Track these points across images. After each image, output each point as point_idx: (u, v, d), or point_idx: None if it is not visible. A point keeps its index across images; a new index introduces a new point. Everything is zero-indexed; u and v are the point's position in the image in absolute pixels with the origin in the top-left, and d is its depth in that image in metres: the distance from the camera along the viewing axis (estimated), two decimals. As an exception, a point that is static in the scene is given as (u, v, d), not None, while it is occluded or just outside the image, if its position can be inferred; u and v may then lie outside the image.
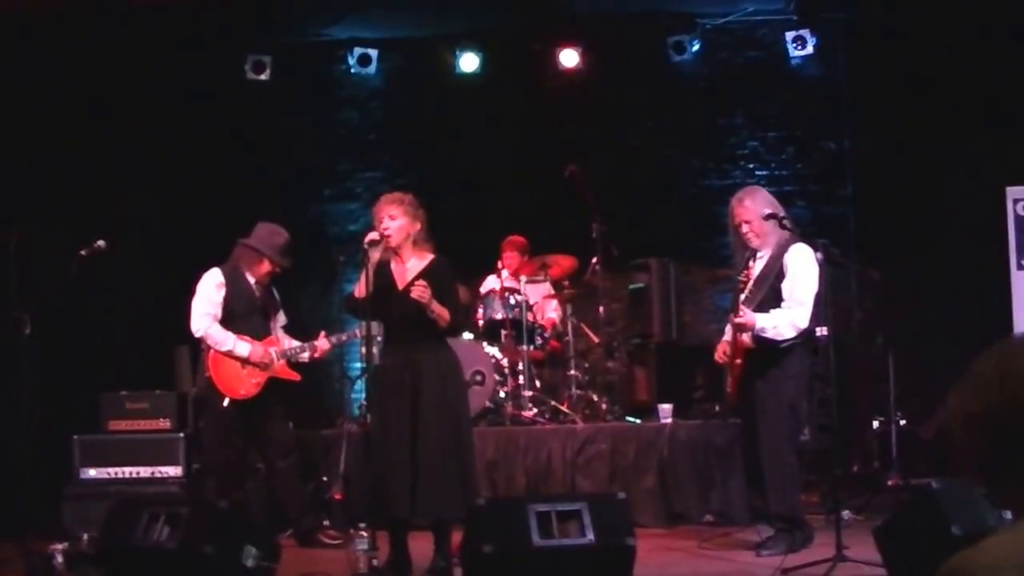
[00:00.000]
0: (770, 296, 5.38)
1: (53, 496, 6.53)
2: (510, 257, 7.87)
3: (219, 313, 6.02)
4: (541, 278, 7.85)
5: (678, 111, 9.16)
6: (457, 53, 9.00)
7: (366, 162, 9.34)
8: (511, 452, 6.85)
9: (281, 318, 6.32)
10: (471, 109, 9.03)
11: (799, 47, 8.76)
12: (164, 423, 6.81)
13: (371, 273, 4.97)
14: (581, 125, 8.81)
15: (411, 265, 5.13)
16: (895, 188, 8.44)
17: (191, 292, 6.07)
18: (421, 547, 5.17)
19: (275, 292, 6.31)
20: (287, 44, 8.95)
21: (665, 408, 7.03)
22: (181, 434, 6.75)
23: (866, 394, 7.75)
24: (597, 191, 7.43)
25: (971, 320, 7.52)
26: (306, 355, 6.15)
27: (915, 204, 8.25)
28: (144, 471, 6.67)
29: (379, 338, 5.26)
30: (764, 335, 5.35)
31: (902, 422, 7.37)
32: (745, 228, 5.49)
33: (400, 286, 5.09)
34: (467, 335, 7.54)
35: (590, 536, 4.43)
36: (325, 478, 6.68)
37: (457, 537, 4.88)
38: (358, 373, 7.66)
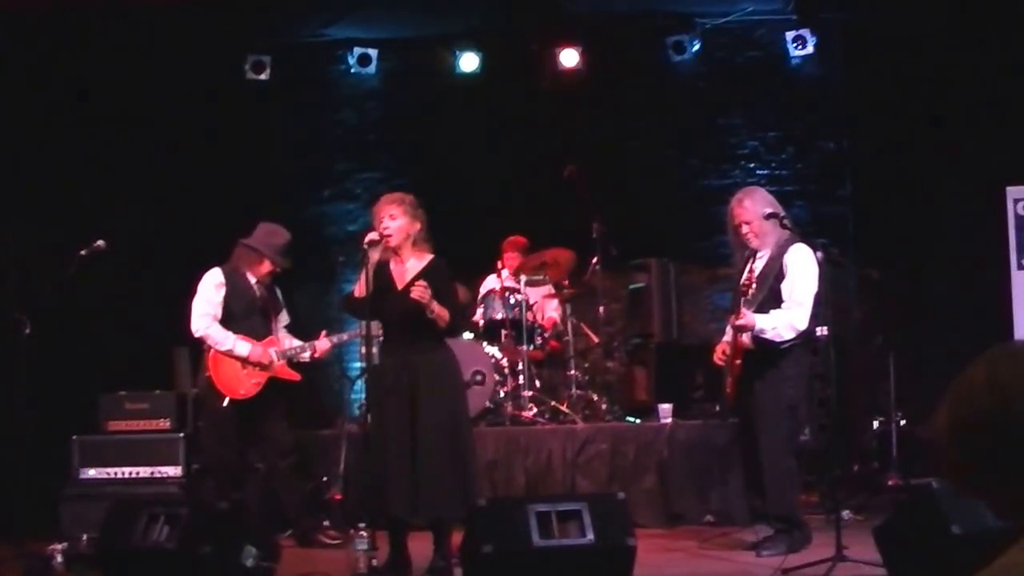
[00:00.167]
0: (769, 297, 5.37)
1: (52, 496, 6.53)
2: (511, 258, 7.86)
3: (219, 313, 6.02)
4: (541, 278, 7.84)
5: (677, 111, 9.16)
6: (457, 53, 9.00)
7: (365, 162, 9.34)
8: (511, 452, 6.84)
9: (284, 318, 6.32)
10: (471, 109, 9.03)
11: (798, 47, 8.76)
12: (163, 423, 6.80)
13: (370, 273, 4.97)
14: (580, 125, 8.81)
15: (410, 265, 5.13)
16: (894, 188, 8.44)
17: (191, 292, 6.07)
18: (421, 547, 5.16)
19: (278, 292, 6.31)
20: (287, 44, 8.95)
21: (665, 408, 7.03)
22: (180, 434, 6.75)
23: (866, 394, 7.75)
24: (596, 191, 7.43)
25: (971, 320, 7.51)
26: (306, 355, 6.15)
27: (915, 204, 8.25)
28: (143, 471, 6.67)
29: (379, 338, 5.26)
30: (764, 336, 5.35)
31: (902, 422, 7.37)
32: (745, 228, 5.48)
33: (399, 286, 5.09)
34: (467, 335, 7.54)
35: (590, 536, 4.43)
36: (325, 478, 6.67)
37: (457, 537, 4.88)
38: (357, 373, 7.65)
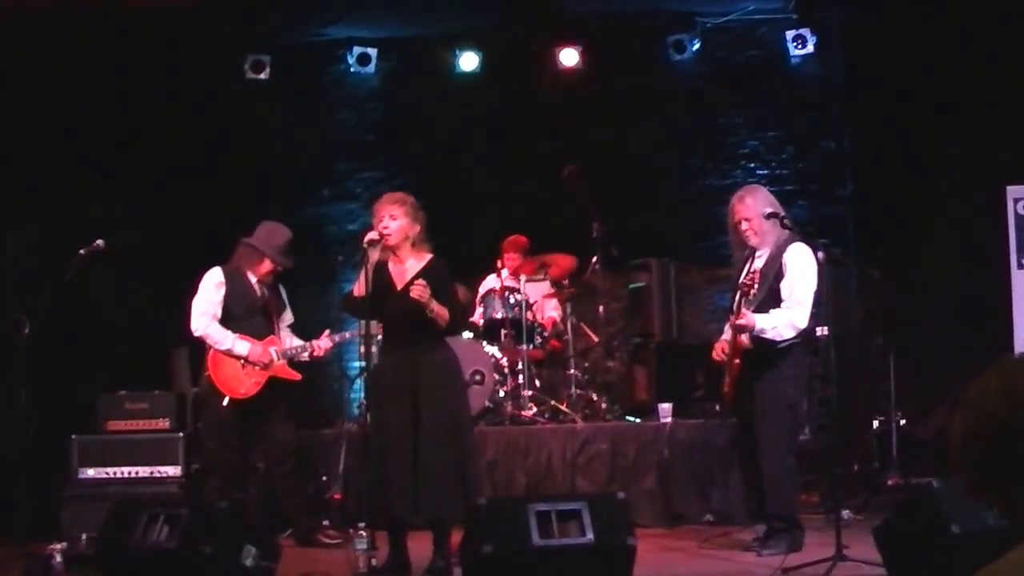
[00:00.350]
0: (768, 296, 5.37)
1: (52, 497, 6.52)
2: (511, 258, 7.86)
3: (218, 312, 6.02)
4: (541, 277, 7.84)
5: (677, 110, 9.15)
6: (456, 52, 9.00)
7: (365, 162, 9.34)
8: (511, 452, 6.84)
9: (287, 317, 6.31)
10: (470, 109, 9.02)
11: (799, 46, 8.75)
12: (163, 423, 6.80)
13: (370, 273, 4.96)
14: (580, 125, 8.80)
15: (409, 266, 5.13)
16: (895, 187, 8.43)
17: (191, 292, 6.07)
18: (420, 547, 5.16)
19: (282, 291, 6.31)
20: (286, 43, 8.94)
21: (665, 408, 7.03)
22: (180, 434, 6.75)
23: (866, 394, 7.74)
24: (596, 191, 7.43)
25: (971, 319, 7.51)
26: (306, 354, 6.14)
27: (915, 203, 8.24)
28: (143, 471, 6.67)
29: (378, 337, 5.25)
30: (764, 336, 5.34)
31: (902, 422, 7.37)
32: (744, 226, 5.48)
33: (399, 286, 5.08)
34: (467, 334, 7.53)
35: (590, 536, 4.42)
36: (324, 478, 6.67)
37: (457, 537, 4.88)
38: (356, 372, 7.65)
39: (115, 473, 6.66)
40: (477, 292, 7.91)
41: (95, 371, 7.34)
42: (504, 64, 9.04)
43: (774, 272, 5.40)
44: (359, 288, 5.03)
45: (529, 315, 7.46)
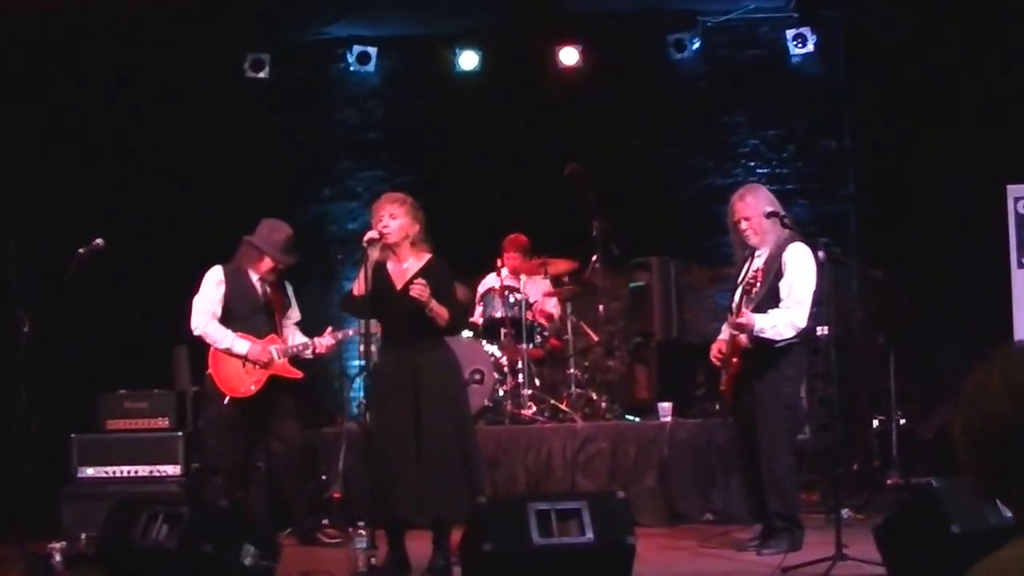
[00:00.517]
0: (768, 296, 5.36)
1: (52, 495, 6.52)
2: (511, 257, 7.85)
3: (218, 311, 6.02)
4: (541, 275, 7.84)
5: (678, 109, 9.14)
6: (456, 51, 8.99)
7: (365, 161, 9.33)
8: (511, 451, 6.84)
9: (294, 315, 6.30)
10: (471, 107, 9.02)
11: (799, 45, 8.74)
12: (162, 422, 6.80)
13: (369, 272, 4.96)
14: (581, 123, 8.79)
15: (409, 265, 5.13)
16: (896, 186, 8.43)
17: (190, 291, 6.07)
18: (420, 546, 5.16)
19: (288, 289, 6.30)
20: (286, 42, 8.94)
21: (665, 407, 7.02)
22: (180, 433, 6.75)
23: (867, 393, 7.74)
24: (597, 189, 7.42)
25: (971, 318, 7.50)
26: (309, 352, 6.13)
27: (916, 202, 8.23)
28: (143, 470, 6.67)
29: (377, 335, 5.25)
30: (763, 336, 5.33)
31: (902, 421, 7.36)
32: (744, 225, 5.47)
33: (398, 286, 5.08)
34: (466, 333, 7.53)
35: (590, 535, 4.41)
36: (324, 477, 6.67)
37: (457, 536, 4.88)
38: (357, 372, 7.65)
39: (115, 472, 6.66)
40: (477, 291, 7.90)
41: (95, 370, 7.34)
42: (504, 63, 9.03)
43: (774, 271, 5.39)
44: (358, 287, 5.03)
45: (529, 314, 7.46)
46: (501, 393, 7.33)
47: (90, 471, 6.67)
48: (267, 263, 6.08)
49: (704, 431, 6.84)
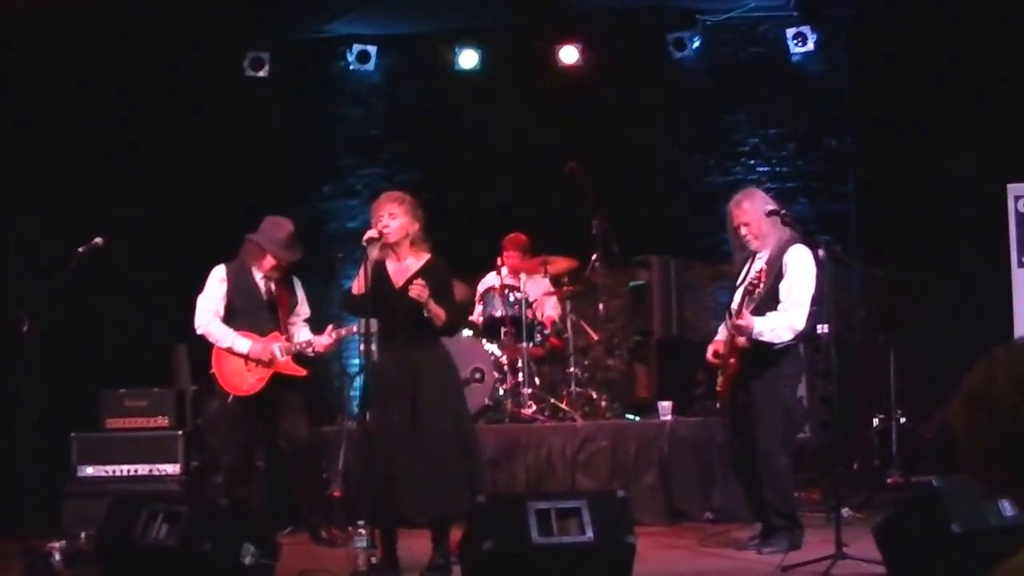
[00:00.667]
0: (768, 297, 5.35)
1: (52, 494, 6.52)
2: (511, 256, 7.85)
3: (220, 310, 6.03)
4: (541, 274, 7.83)
5: (679, 108, 9.13)
6: (457, 50, 8.98)
7: (366, 159, 9.33)
8: (511, 450, 6.83)
9: (303, 311, 6.29)
10: (471, 106, 9.01)
11: (800, 44, 8.74)
12: (162, 421, 6.80)
13: (369, 270, 4.96)
14: (581, 122, 8.78)
15: (408, 264, 5.13)
16: (897, 185, 8.42)
17: (190, 290, 6.07)
18: (420, 544, 5.15)
19: (296, 285, 6.29)
20: (286, 41, 8.93)
21: (665, 405, 7.02)
22: (179, 432, 6.75)
23: (867, 391, 7.74)
24: (597, 188, 7.42)
25: (972, 317, 7.50)
26: (311, 350, 6.12)
27: (917, 201, 8.23)
28: (142, 469, 6.67)
29: (376, 334, 5.24)
30: (763, 339, 5.33)
31: (903, 420, 7.36)
32: (744, 230, 5.47)
33: (397, 285, 5.08)
34: (467, 332, 7.53)
35: (590, 534, 4.41)
36: (325, 475, 6.66)
37: (456, 534, 4.87)
38: (357, 370, 7.64)
39: (114, 471, 6.66)
40: (477, 290, 7.90)
41: (95, 369, 7.34)
42: (504, 61, 9.03)
43: (775, 273, 5.38)
44: (357, 286, 5.03)
45: (529, 313, 7.46)
46: (501, 392, 7.33)
47: (90, 470, 6.67)
48: (270, 260, 6.08)
49: (704, 429, 6.84)
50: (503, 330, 7.47)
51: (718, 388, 5.63)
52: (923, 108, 8.15)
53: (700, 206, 8.78)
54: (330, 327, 6.15)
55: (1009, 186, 7.36)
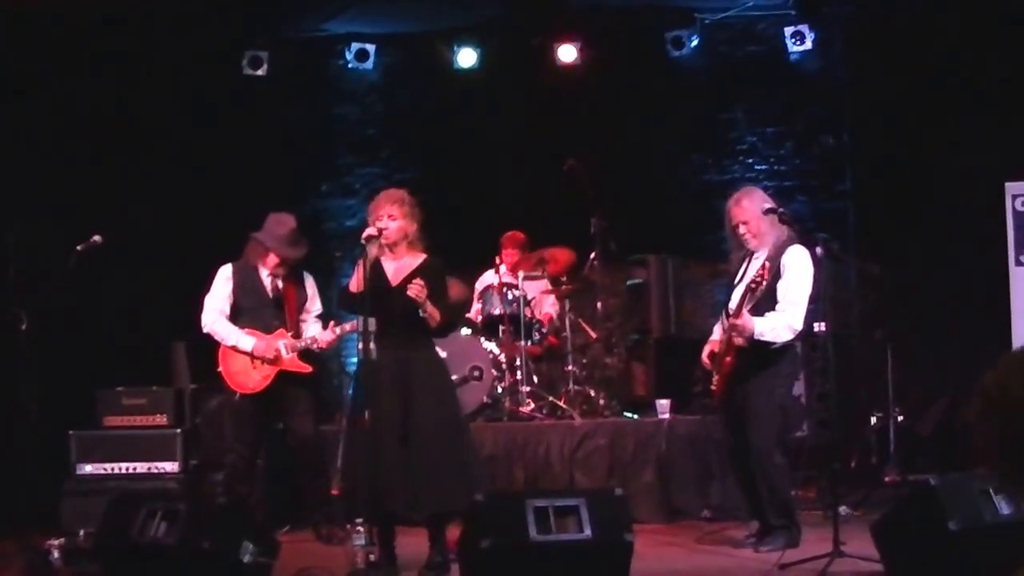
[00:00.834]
0: (766, 296, 5.36)
1: (50, 492, 6.52)
2: (509, 254, 7.86)
3: (226, 308, 6.07)
4: (539, 274, 7.83)
5: (677, 106, 9.14)
6: (455, 48, 8.98)
7: (364, 157, 9.33)
8: (509, 448, 6.84)
9: (314, 307, 6.30)
10: (469, 104, 9.01)
11: (798, 42, 8.75)
12: (161, 419, 6.81)
13: (367, 269, 4.97)
14: (580, 120, 8.79)
15: (404, 264, 5.14)
16: (894, 183, 8.43)
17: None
18: (419, 543, 5.16)
19: (307, 281, 6.29)
20: (284, 39, 8.92)
21: (663, 403, 7.03)
22: (178, 430, 6.75)
23: (865, 389, 7.74)
24: (596, 186, 7.42)
25: (970, 316, 7.51)
26: (315, 346, 6.12)
27: (914, 199, 8.24)
28: (141, 467, 6.67)
29: (374, 332, 5.24)
30: (762, 339, 5.33)
31: (900, 418, 7.37)
32: (742, 229, 5.48)
33: (393, 284, 5.09)
34: (465, 330, 7.54)
35: (588, 532, 4.42)
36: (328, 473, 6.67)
37: (455, 532, 4.88)
38: (356, 368, 7.63)
39: (113, 469, 6.67)
40: (475, 288, 7.90)
41: (94, 367, 7.34)
42: (503, 59, 9.03)
43: (774, 272, 5.39)
44: (354, 284, 5.04)
45: (527, 311, 7.46)
46: (499, 390, 7.33)
47: (88, 468, 6.67)
48: (273, 257, 6.10)
49: (702, 427, 6.84)
50: (501, 328, 7.48)
51: (713, 387, 5.64)
52: (921, 106, 8.16)
53: (698, 204, 8.79)
54: (332, 323, 6.16)
55: (1007, 184, 7.37)
